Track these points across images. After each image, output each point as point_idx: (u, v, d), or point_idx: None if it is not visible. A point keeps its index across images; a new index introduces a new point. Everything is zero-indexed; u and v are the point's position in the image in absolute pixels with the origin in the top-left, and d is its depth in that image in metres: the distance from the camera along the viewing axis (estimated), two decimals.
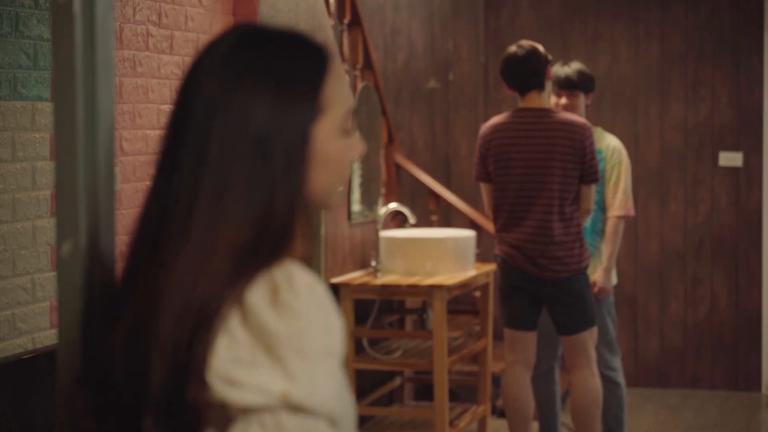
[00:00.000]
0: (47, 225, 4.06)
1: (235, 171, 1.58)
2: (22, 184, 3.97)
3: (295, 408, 1.49)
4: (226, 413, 1.52)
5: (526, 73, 5.22)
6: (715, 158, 7.75)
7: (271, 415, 1.49)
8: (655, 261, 7.86)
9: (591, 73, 5.74)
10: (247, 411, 1.50)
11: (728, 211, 7.74)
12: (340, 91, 1.63)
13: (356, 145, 1.66)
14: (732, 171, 7.74)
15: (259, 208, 1.58)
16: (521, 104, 5.28)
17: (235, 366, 1.50)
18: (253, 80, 1.60)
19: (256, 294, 1.53)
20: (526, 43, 5.28)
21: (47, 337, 4.08)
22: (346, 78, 1.68)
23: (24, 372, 3.89)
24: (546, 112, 5.23)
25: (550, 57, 5.30)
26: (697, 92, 7.79)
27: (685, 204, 7.81)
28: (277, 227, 1.58)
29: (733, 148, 7.73)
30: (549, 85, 5.33)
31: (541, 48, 5.27)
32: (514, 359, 5.38)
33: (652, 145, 7.84)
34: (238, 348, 1.51)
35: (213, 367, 1.51)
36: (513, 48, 5.26)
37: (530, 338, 5.37)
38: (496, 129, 5.29)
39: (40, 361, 3.95)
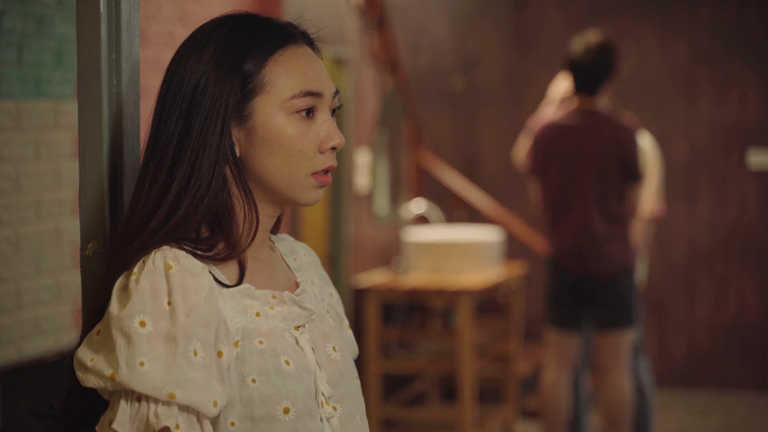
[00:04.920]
0: (71, 225, 4.05)
1: (166, 133, 1.59)
2: (46, 183, 3.96)
3: (130, 391, 1.49)
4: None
5: (593, 65, 5.17)
6: (744, 157, 7.69)
7: (115, 395, 1.51)
8: (682, 261, 7.80)
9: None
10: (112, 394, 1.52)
11: (756, 211, 7.68)
12: (294, 75, 1.61)
13: (318, 133, 1.63)
14: (761, 170, 7.67)
15: (179, 175, 1.57)
16: (575, 102, 5.23)
17: (87, 350, 1.53)
18: (200, 52, 1.61)
19: (121, 278, 1.54)
20: (595, 38, 5.21)
21: (71, 337, 4.08)
22: (315, 67, 1.65)
23: (47, 373, 3.88)
24: (597, 116, 5.19)
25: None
26: (725, 91, 7.73)
27: (713, 203, 7.75)
28: (192, 197, 1.57)
29: (761, 147, 7.66)
30: (607, 87, 5.25)
31: (611, 50, 5.22)
32: (558, 359, 5.35)
33: (680, 145, 7.78)
34: (95, 333, 1.54)
35: (78, 351, 1.55)
36: (581, 45, 5.20)
37: (575, 339, 5.35)
38: (548, 129, 5.26)
39: (63, 362, 3.94)
